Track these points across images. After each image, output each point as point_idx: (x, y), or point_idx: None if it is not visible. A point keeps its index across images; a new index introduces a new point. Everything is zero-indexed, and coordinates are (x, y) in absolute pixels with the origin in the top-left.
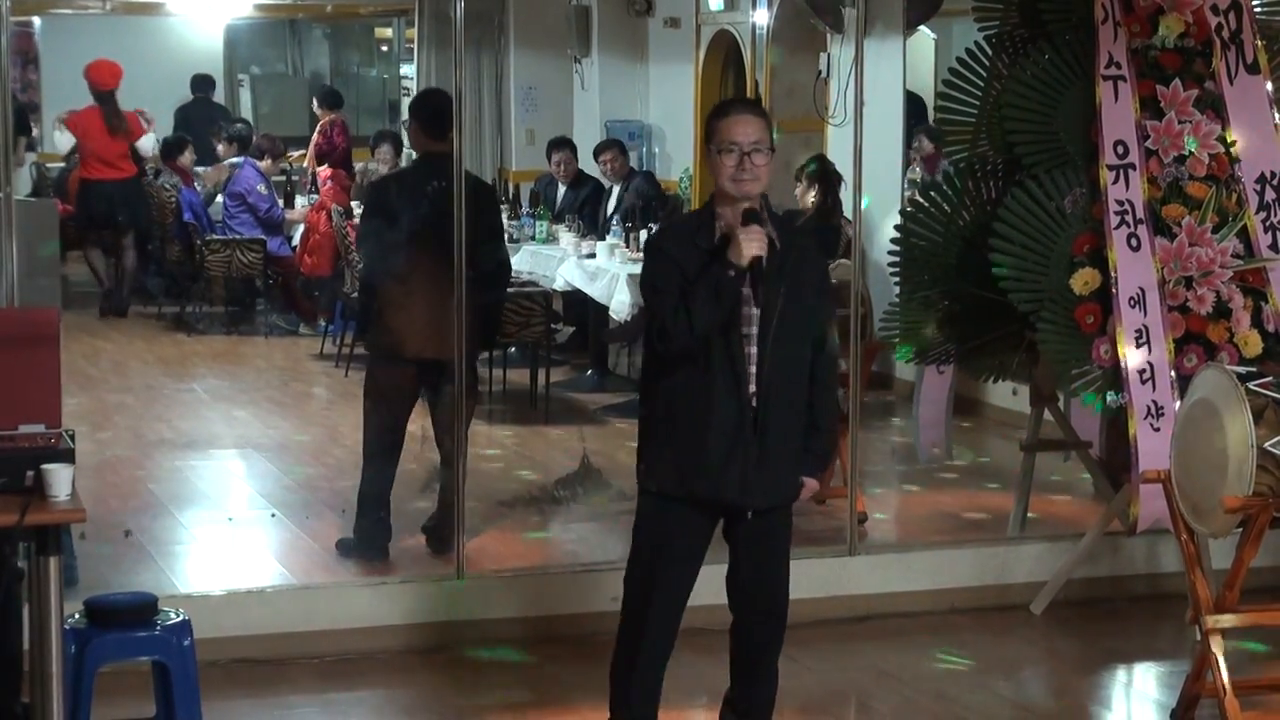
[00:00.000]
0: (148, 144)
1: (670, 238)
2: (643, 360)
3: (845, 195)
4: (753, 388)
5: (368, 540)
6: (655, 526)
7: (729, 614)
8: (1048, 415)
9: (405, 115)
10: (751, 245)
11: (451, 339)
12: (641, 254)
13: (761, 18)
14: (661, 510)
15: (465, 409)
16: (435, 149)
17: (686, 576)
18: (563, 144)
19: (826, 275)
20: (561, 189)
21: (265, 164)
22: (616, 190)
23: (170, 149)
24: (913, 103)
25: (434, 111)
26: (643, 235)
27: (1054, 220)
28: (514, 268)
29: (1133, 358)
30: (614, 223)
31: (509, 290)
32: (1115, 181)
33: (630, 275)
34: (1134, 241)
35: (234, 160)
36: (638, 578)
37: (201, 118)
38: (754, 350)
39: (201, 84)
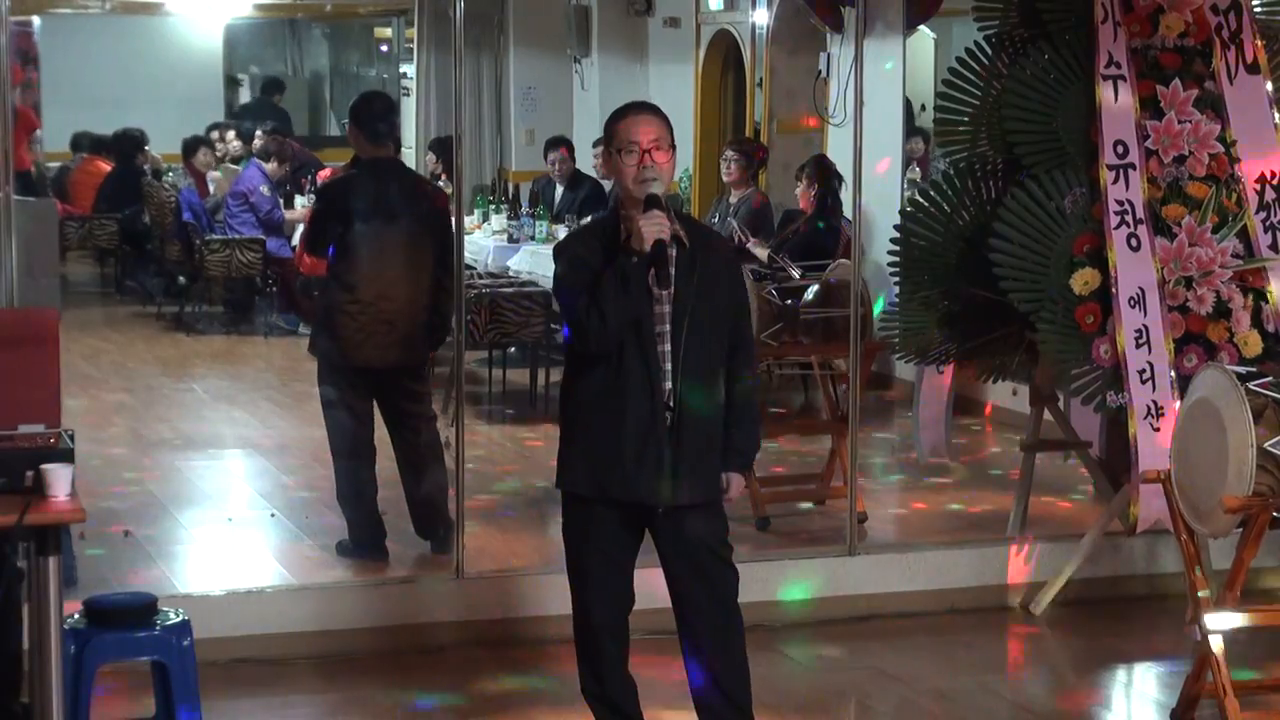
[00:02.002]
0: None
1: (578, 240)
2: (564, 363)
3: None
4: (668, 385)
5: (364, 540)
6: (578, 527)
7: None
8: (1048, 415)
9: (402, 113)
10: (652, 228)
11: (397, 348)
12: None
13: (761, 17)
14: (580, 511)
15: (420, 418)
16: (376, 154)
17: (615, 577)
18: (558, 142)
19: (739, 272)
20: (560, 189)
21: (271, 166)
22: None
23: (188, 149)
24: None
25: (374, 116)
26: None
27: (1054, 220)
28: (514, 268)
29: (1133, 358)
30: None
31: (509, 290)
32: (1115, 181)
33: None
34: (1134, 241)
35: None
36: (575, 579)
37: (258, 118)
38: (667, 349)
39: (270, 86)
